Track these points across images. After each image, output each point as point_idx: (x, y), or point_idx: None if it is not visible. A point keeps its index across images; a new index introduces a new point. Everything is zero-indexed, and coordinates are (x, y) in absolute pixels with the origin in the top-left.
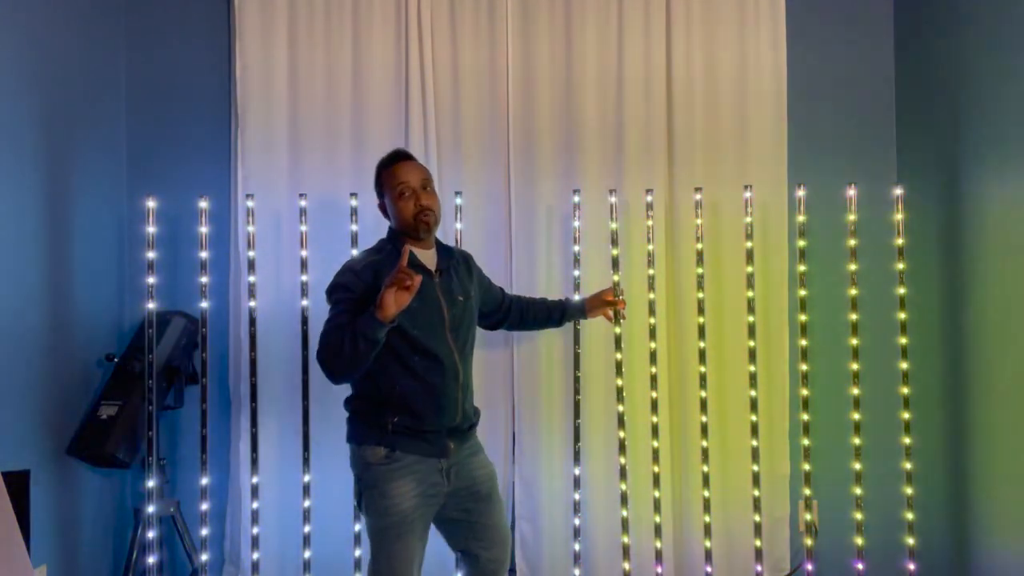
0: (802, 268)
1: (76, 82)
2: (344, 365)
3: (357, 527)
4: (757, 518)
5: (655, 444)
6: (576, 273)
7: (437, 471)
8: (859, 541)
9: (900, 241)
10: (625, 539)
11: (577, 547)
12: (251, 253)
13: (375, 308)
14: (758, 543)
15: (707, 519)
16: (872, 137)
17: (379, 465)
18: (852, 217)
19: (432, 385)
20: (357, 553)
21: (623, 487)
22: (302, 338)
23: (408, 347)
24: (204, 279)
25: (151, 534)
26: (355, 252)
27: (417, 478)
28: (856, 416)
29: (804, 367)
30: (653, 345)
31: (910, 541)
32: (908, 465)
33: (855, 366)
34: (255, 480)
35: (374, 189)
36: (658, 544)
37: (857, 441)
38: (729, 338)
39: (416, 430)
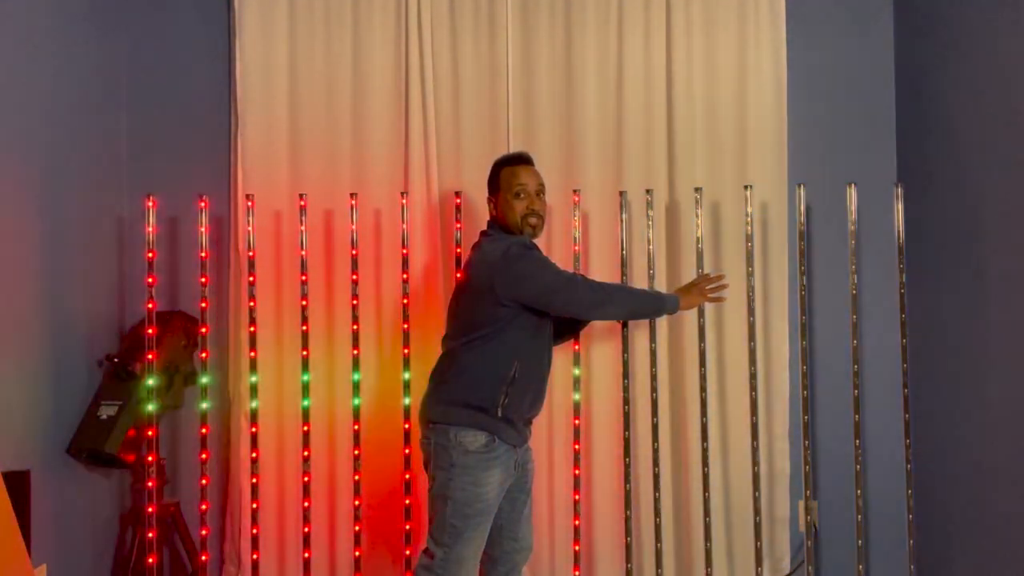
0: (802, 268)
1: (76, 82)
2: (631, 310)
3: (357, 527)
4: (757, 519)
5: (655, 445)
6: None
7: (513, 461)
8: (859, 542)
9: (900, 241)
10: (626, 539)
11: (577, 547)
12: (251, 253)
13: (684, 293)
14: (758, 543)
15: (707, 519)
16: (872, 137)
17: (478, 452)
18: (852, 217)
19: (541, 367)
20: (357, 553)
21: (626, 487)
22: (302, 338)
23: (536, 325)
24: (204, 279)
25: (151, 534)
26: (355, 252)
27: (503, 467)
28: (856, 416)
29: (804, 367)
30: (653, 346)
31: (910, 542)
32: (908, 465)
33: (855, 366)
34: (255, 480)
35: (488, 184)
36: (658, 544)
37: (857, 441)
38: (729, 338)
39: (516, 415)
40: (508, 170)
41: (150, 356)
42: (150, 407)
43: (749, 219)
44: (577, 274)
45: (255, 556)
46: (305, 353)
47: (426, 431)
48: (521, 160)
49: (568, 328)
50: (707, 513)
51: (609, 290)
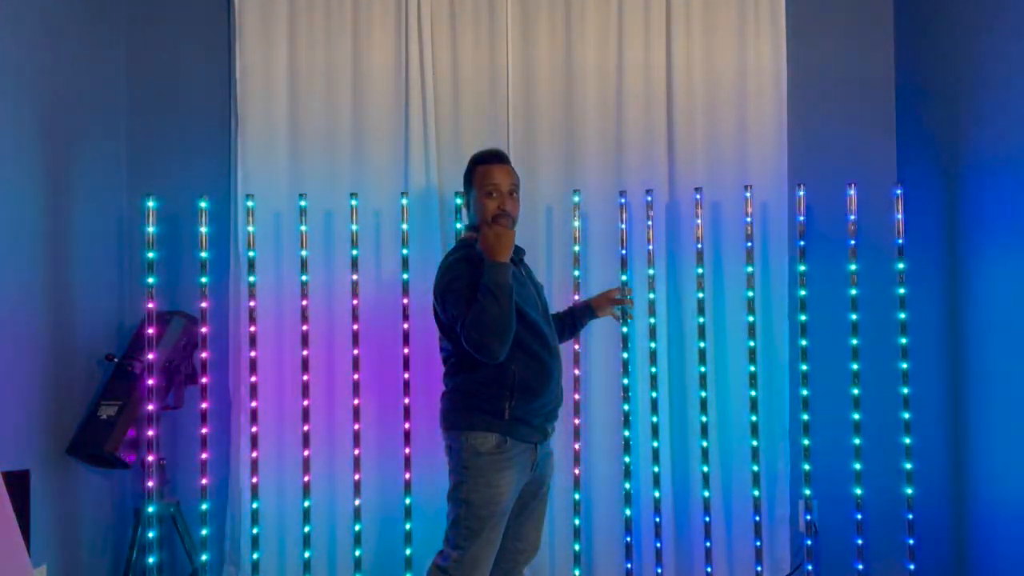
0: (802, 268)
1: (76, 82)
2: (497, 327)
3: (358, 527)
4: (757, 518)
5: (655, 444)
6: (576, 273)
7: (530, 461)
8: (859, 541)
9: (900, 241)
10: (627, 538)
11: (577, 547)
12: (251, 253)
13: (487, 257)
14: (758, 543)
15: (707, 518)
16: (872, 137)
17: (490, 454)
18: (852, 217)
19: (543, 360)
20: (357, 553)
21: (626, 486)
22: (302, 338)
23: (527, 325)
24: (204, 279)
25: (151, 534)
26: (355, 252)
27: (518, 467)
28: (856, 416)
29: (804, 367)
30: (653, 345)
31: (910, 541)
32: (908, 465)
33: (855, 366)
34: (255, 480)
35: (463, 180)
36: (658, 544)
37: (857, 441)
38: (729, 338)
39: (529, 413)
40: (482, 168)
41: (150, 356)
42: (150, 407)
43: (749, 219)
44: (470, 317)
45: (255, 556)
46: (305, 353)
47: (443, 436)
48: (496, 159)
49: (569, 327)
50: (707, 512)
51: (483, 328)
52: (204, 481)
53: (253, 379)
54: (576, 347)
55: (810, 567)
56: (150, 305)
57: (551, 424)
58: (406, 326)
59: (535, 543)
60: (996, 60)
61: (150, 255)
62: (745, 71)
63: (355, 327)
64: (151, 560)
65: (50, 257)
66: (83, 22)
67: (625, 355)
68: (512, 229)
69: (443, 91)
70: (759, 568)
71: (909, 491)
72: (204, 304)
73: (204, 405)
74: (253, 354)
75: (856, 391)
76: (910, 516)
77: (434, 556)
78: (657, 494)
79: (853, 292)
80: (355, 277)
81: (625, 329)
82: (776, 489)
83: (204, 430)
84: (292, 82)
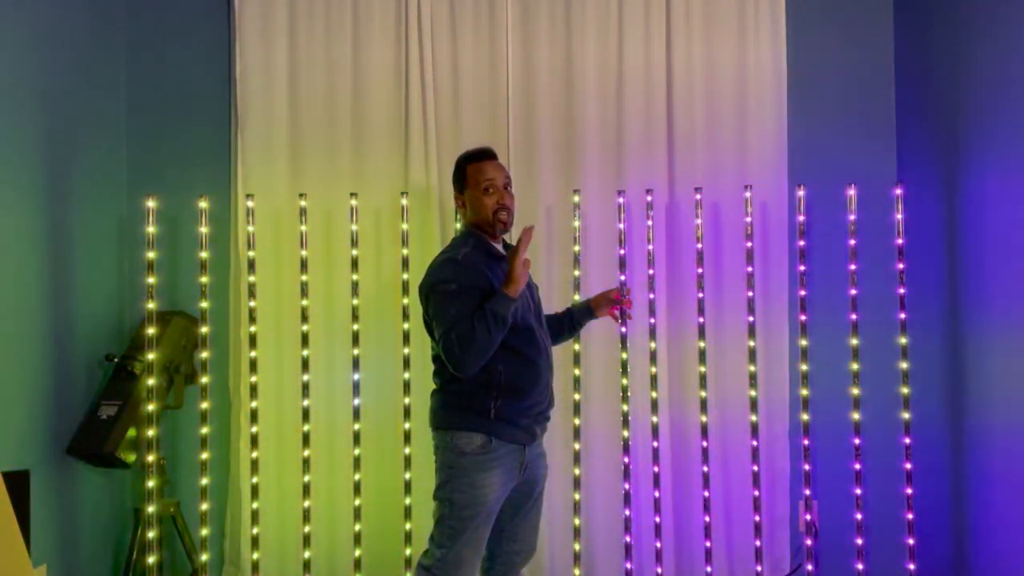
0: (802, 268)
1: (76, 82)
2: (479, 351)
3: (357, 527)
4: (757, 518)
5: (655, 444)
6: (576, 273)
7: (518, 462)
8: (859, 541)
9: (900, 241)
10: (626, 538)
11: (577, 547)
12: (251, 253)
13: (505, 285)
14: (758, 543)
15: (707, 519)
16: (872, 137)
17: (474, 454)
18: (852, 217)
19: (531, 360)
20: (357, 553)
21: (625, 486)
22: (302, 337)
23: (514, 327)
24: (204, 279)
25: (151, 534)
26: (355, 252)
27: (504, 468)
28: (856, 416)
29: (804, 367)
30: (653, 345)
31: (910, 541)
32: (908, 465)
33: (855, 366)
34: (255, 480)
35: (453, 182)
36: (658, 543)
37: (857, 441)
38: (729, 338)
39: (515, 414)
40: (474, 166)
41: (150, 356)
42: (150, 407)
43: (749, 219)
44: (455, 329)
45: (255, 556)
46: (305, 353)
47: (432, 435)
48: (486, 155)
49: (568, 328)
50: (707, 512)
51: (465, 347)
52: (204, 481)
53: (253, 379)
54: (576, 347)
55: (810, 567)
56: (150, 305)
57: (540, 426)
58: (406, 326)
59: (531, 544)
60: (996, 60)
61: (150, 255)
62: (745, 71)
63: (355, 327)
64: (151, 560)
65: (50, 257)
66: (83, 22)
67: (625, 355)
68: (510, 226)
69: (443, 91)
70: (759, 568)
71: (909, 491)
72: (204, 304)
73: (204, 405)
74: (253, 354)
75: (856, 391)
76: (910, 516)
77: (420, 556)
78: (657, 494)
79: (853, 292)
80: (355, 277)
81: (625, 329)
82: (776, 489)
83: (204, 430)
84: (292, 82)
